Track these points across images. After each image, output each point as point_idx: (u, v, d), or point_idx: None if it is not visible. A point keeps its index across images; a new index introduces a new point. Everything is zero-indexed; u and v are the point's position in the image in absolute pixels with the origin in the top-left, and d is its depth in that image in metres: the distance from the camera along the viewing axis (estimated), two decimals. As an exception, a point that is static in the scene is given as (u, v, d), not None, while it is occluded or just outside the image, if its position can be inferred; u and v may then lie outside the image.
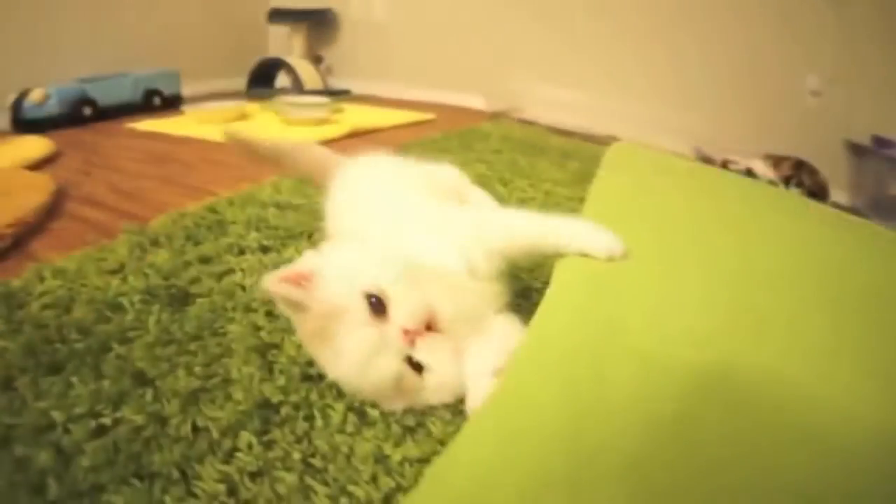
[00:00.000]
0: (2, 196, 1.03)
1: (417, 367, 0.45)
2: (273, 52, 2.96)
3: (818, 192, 1.61)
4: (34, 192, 1.05)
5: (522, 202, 1.08)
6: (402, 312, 0.44)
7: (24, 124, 1.87)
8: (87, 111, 1.96)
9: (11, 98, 1.93)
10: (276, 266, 0.59)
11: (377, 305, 0.45)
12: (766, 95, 1.90)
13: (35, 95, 1.89)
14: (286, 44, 2.90)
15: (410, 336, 0.44)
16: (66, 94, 1.92)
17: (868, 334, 0.40)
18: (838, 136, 1.71)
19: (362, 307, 0.44)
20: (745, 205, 0.75)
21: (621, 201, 0.69)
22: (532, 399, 0.34)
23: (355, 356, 0.43)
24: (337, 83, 2.80)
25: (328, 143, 1.64)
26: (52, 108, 1.89)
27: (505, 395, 0.36)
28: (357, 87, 2.78)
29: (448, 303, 0.47)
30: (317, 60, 2.87)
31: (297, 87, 2.46)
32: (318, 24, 2.91)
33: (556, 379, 0.35)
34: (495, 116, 2.30)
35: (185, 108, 1.98)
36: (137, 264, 0.74)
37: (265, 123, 1.87)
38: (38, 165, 1.38)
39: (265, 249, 0.81)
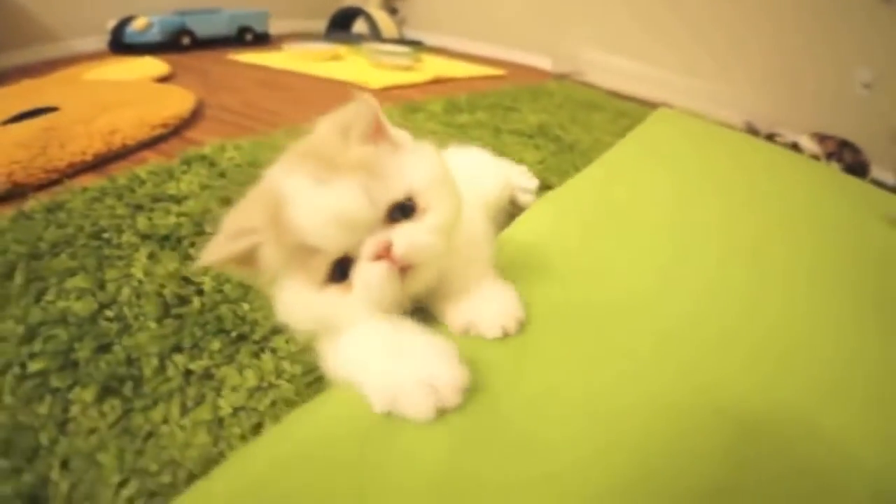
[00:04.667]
0: (155, 100, 1.26)
1: (342, 275, 0.38)
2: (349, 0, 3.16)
3: (857, 170, 1.73)
4: (182, 97, 1.28)
5: (574, 142, 1.26)
6: (401, 237, 0.37)
7: (123, 48, 2.12)
8: (186, 41, 2.21)
9: (112, 23, 2.19)
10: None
11: (406, 208, 0.39)
12: (817, 84, 2.05)
13: (139, 23, 2.14)
14: (363, -7, 3.10)
15: (377, 253, 0.37)
16: (167, 24, 2.16)
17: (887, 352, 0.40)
18: (887, 126, 1.86)
19: (392, 200, 0.38)
20: (773, 193, 0.80)
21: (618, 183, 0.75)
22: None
23: (333, 205, 0.36)
24: (409, 34, 2.98)
25: (414, 87, 1.83)
26: (154, 35, 2.14)
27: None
28: (428, 40, 2.96)
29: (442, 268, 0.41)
30: (392, 11, 3.06)
31: (375, 35, 2.65)
32: (395, -24, 3.10)
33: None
34: (560, 78, 2.46)
35: (285, 45, 2.21)
36: (299, 146, 0.95)
37: (356, 66, 2.07)
38: (158, 82, 1.62)
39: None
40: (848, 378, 0.35)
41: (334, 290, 0.38)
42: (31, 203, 0.76)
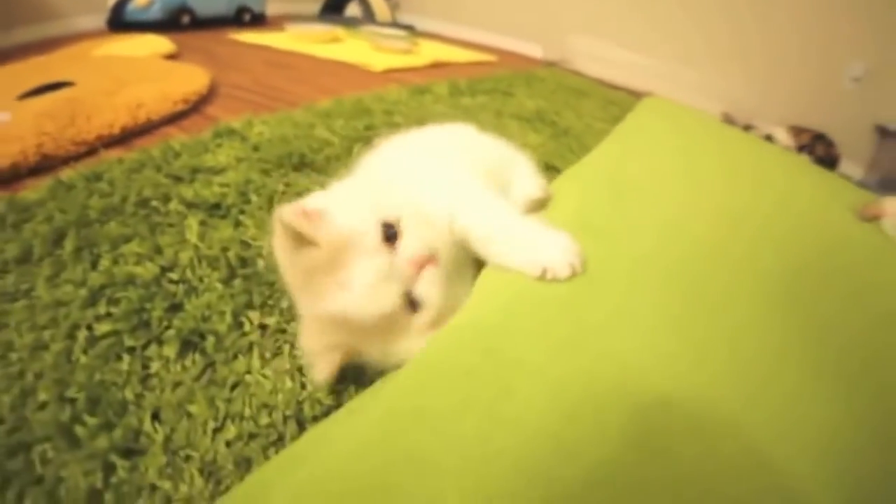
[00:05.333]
0: (172, 76, 1.25)
1: (412, 305, 0.45)
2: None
3: (827, 163, 1.81)
4: (197, 74, 1.28)
5: (568, 127, 1.30)
6: (410, 245, 0.45)
7: (123, 26, 2.08)
8: (186, 20, 2.18)
9: (112, 1, 2.15)
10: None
11: (391, 235, 0.45)
12: (805, 75, 2.08)
13: (140, 0, 2.11)
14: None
15: (417, 266, 0.45)
16: (169, 2, 2.13)
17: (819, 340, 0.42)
18: (869, 120, 1.91)
19: (377, 235, 0.45)
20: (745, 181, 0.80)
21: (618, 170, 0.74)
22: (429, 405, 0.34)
23: (366, 281, 0.43)
24: (402, 19, 2.98)
25: (413, 70, 1.85)
26: (155, 13, 2.10)
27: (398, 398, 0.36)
28: (420, 25, 2.96)
29: (445, 249, 0.47)
30: (388, -5, 3.04)
31: (369, 18, 2.64)
32: (390, -41, 3.08)
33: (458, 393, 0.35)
34: (549, 65, 2.49)
35: (286, 26, 2.19)
36: (324, 124, 0.97)
37: (358, 48, 2.07)
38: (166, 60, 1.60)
39: (397, 125, 1.02)
40: (768, 376, 0.38)
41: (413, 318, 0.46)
42: (69, 173, 0.76)
